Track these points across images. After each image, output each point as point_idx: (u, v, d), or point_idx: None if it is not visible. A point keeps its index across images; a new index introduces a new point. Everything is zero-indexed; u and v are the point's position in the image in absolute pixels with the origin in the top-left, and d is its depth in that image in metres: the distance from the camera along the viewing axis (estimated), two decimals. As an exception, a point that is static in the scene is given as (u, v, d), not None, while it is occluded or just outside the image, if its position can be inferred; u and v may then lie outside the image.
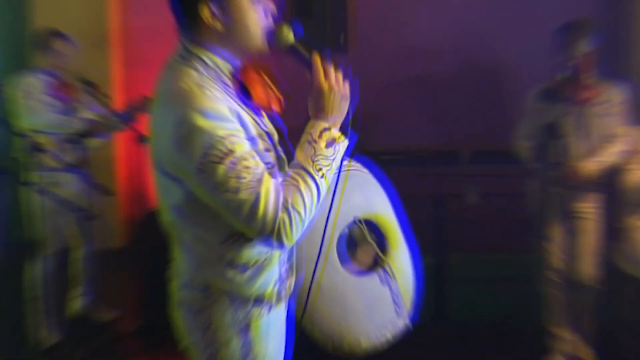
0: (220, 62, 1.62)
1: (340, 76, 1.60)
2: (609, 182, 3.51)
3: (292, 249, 1.79)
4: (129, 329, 4.03)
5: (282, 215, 1.47)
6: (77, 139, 3.95)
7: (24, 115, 3.93)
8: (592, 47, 3.32)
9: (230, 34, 1.61)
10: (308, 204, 1.51)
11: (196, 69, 1.57)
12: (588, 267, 3.47)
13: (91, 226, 4.21)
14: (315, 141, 1.56)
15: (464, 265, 4.25)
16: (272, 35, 1.63)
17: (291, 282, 1.81)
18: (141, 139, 3.77)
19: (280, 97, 1.74)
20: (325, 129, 1.57)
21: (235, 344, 1.67)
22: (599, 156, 3.34)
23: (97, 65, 5.00)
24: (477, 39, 4.75)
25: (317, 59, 1.59)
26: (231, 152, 1.46)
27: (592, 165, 3.31)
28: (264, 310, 1.70)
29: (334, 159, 1.58)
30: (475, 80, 4.81)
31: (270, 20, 1.64)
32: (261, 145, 1.59)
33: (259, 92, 1.66)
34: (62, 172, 3.90)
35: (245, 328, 1.68)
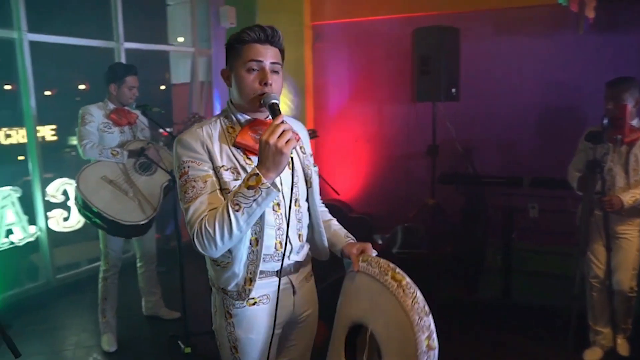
0: (235, 115, 1.53)
1: (285, 137, 1.32)
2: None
3: (254, 270, 1.51)
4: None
5: (197, 226, 1.38)
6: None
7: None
8: (633, 99, 2.84)
9: (235, 93, 1.52)
10: (218, 226, 1.35)
11: (219, 117, 1.54)
12: (626, 278, 2.92)
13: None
14: (243, 182, 1.35)
15: (524, 262, 3.81)
16: (260, 96, 1.46)
17: (249, 288, 1.52)
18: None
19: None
20: (256, 175, 1.33)
21: (224, 323, 1.58)
22: (636, 189, 2.83)
23: (299, 108, 5.30)
24: (554, 92, 4.25)
25: (276, 119, 1.35)
26: (186, 172, 1.43)
27: (629, 196, 2.81)
28: (234, 302, 1.55)
29: (254, 200, 1.33)
30: (543, 123, 4.31)
31: (261, 86, 1.46)
32: (227, 173, 1.46)
33: (246, 139, 1.49)
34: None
35: (228, 314, 1.57)
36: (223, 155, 1.47)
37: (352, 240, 1.68)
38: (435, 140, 4.50)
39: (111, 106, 3.15)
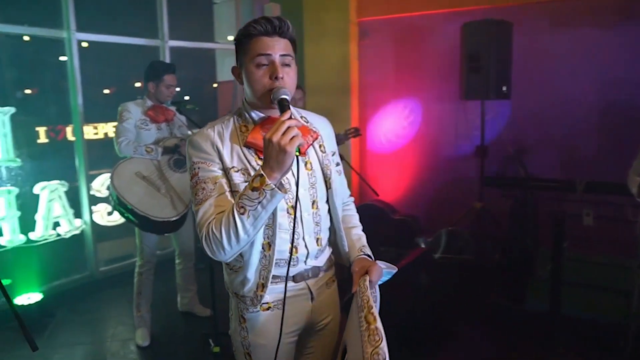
0: (249, 113, 1.48)
1: (289, 134, 1.24)
2: None
3: (267, 275, 1.45)
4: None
5: (205, 230, 1.33)
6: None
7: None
8: None
9: (247, 90, 1.45)
10: (224, 230, 1.29)
11: (233, 115, 1.49)
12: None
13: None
14: (248, 184, 1.29)
15: (576, 273, 3.50)
16: (271, 92, 1.38)
17: (261, 294, 1.47)
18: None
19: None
20: (260, 176, 1.26)
21: (238, 328, 1.55)
22: None
23: (344, 106, 5.21)
24: (615, 89, 3.91)
25: (283, 115, 1.28)
26: (196, 174, 1.40)
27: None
28: (247, 307, 1.50)
29: (259, 202, 1.26)
30: (603, 124, 3.98)
31: (272, 81, 1.38)
32: (238, 175, 1.40)
33: (257, 138, 1.42)
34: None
35: (242, 318, 1.53)
36: (234, 155, 1.42)
37: (363, 256, 1.56)
38: (483, 141, 4.31)
39: (149, 103, 3.19)
